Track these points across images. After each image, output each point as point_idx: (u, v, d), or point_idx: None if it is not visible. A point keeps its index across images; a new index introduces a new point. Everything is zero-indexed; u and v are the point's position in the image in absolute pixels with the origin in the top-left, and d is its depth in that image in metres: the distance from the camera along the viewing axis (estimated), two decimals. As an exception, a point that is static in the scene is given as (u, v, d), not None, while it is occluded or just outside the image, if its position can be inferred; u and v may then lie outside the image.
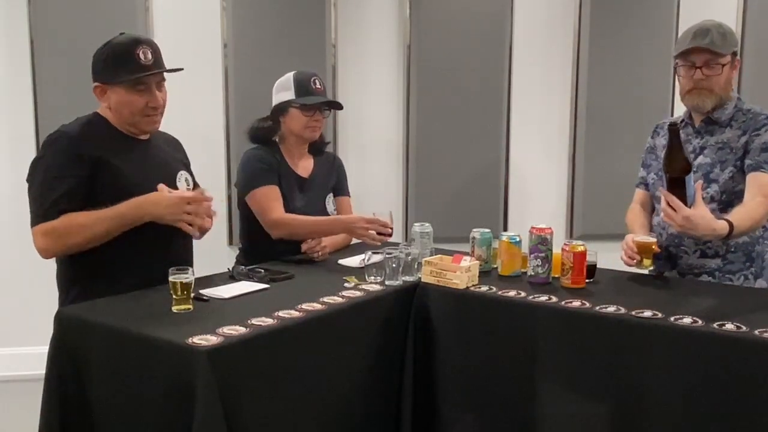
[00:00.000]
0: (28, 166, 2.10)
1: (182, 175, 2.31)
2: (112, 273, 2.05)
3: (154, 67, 2.14)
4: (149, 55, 2.13)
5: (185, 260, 2.19)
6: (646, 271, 2.38)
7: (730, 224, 2.05)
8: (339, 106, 2.84)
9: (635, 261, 2.25)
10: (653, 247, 2.26)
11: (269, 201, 2.57)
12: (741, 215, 2.12)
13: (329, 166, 2.83)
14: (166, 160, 2.29)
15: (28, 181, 2.09)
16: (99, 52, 2.15)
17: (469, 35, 3.66)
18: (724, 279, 2.32)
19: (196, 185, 2.38)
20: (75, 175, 2.03)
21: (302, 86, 2.64)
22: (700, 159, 2.34)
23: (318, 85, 2.67)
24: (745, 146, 2.28)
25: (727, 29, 2.30)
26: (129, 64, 2.10)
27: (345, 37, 3.63)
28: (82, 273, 2.09)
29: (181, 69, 2.18)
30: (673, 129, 2.10)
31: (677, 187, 2.05)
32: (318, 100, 2.64)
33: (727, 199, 2.28)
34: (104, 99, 2.15)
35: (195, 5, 3.48)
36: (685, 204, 2.02)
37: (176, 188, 2.24)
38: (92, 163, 2.05)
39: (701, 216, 2.02)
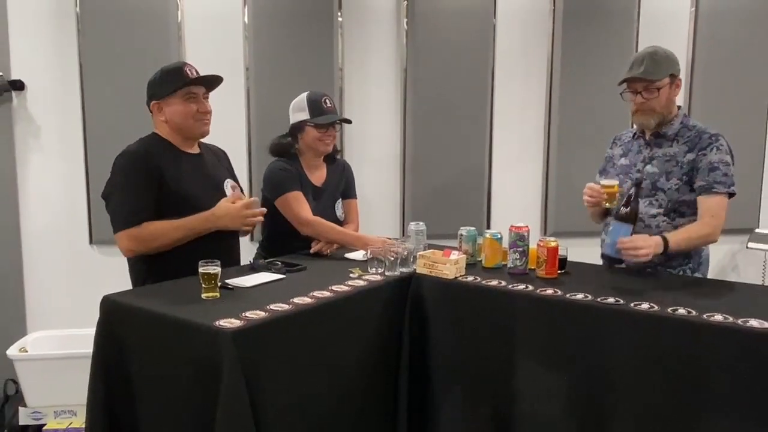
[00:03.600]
0: (105, 186, 2.17)
1: (228, 183, 2.38)
2: (177, 271, 2.06)
3: (199, 80, 2.24)
4: (194, 72, 2.24)
5: (236, 260, 2.34)
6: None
7: (665, 239, 2.14)
8: (348, 122, 2.83)
9: (603, 201, 2.25)
10: (616, 188, 2.26)
11: (299, 203, 2.57)
12: (677, 232, 2.21)
13: (339, 173, 2.82)
14: (214, 170, 2.36)
15: (104, 197, 2.17)
16: (152, 80, 2.24)
17: (457, 60, 3.66)
18: (665, 272, 2.32)
19: (241, 189, 2.47)
20: (146, 188, 2.11)
21: (315, 106, 2.63)
22: (649, 168, 2.35)
23: (329, 104, 2.66)
24: (692, 163, 2.27)
25: (662, 56, 2.28)
26: (179, 79, 2.20)
27: (350, 62, 3.63)
28: (151, 271, 2.15)
29: (221, 78, 2.27)
30: (638, 182, 2.17)
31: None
32: (330, 120, 2.63)
33: (672, 207, 2.29)
34: (161, 115, 2.22)
35: (221, 35, 3.48)
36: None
37: (224, 194, 2.32)
38: (157, 176, 2.13)
39: (644, 237, 2.13)
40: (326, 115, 2.63)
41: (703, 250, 2.39)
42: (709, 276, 2.46)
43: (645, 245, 2.08)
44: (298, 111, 2.66)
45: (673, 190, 2.28)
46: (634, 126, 2.47)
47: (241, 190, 2.47)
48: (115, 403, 1.84)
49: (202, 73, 2.25)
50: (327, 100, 2.66)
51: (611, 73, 2.47)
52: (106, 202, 2.17)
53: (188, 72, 2.22)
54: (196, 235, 2.14)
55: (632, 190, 2.18)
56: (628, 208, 2.14)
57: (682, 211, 2.29)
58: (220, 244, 2.19)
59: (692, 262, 2.35)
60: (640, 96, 2.29)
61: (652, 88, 2.27)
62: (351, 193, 2.86)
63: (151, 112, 2.27)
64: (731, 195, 2.27)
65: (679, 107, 2.38)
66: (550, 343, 1.94)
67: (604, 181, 2.29)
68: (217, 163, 2.41)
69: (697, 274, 2.37)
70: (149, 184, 2.12)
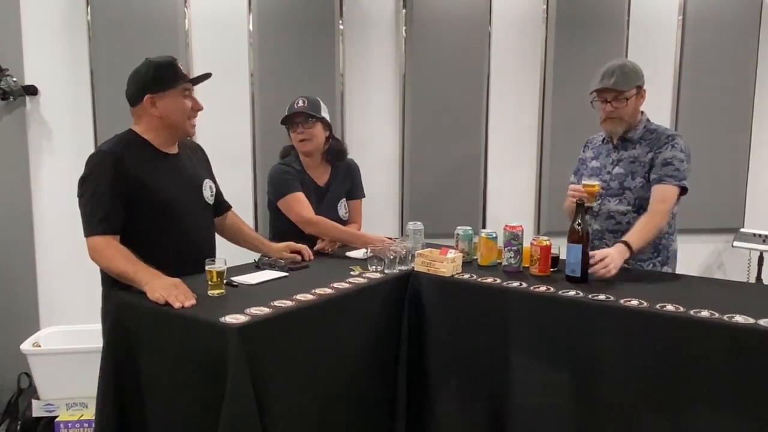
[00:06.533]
0: (77, 183, 2.01)
1: (207, 183, 2.25)
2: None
3: (191, 77, 2.13)
4: (184, 68, 2.15)
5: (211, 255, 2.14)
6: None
7: (627, 244, 2.13)
8: (312, 115, 2.65)
9: (585, 200, 2.20)
10: (597, 188, 2.32)
11: (300, 204, 2.58)
12: (634, 233, 2.19)
13: (345, 172, 2.81)
14: (194, 172, 2.22)
15: (78, 196, 2.00)
16: (141, 72, 2.09)
17: (454, 65, 3.65)
18: (636, 266, 2.36)
19: (219, 190, 2.34)
20: (117, 194, 1.95)
21: (288, 109, 2.66)
22: (617, 170, 2.43)
23: (300, 104, 2.64)
24: (650, 161, 2.35)
25: (630, 68, 2.36)
26: (175, 74, 2.10)
27: (351, 67, 3.62)
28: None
29: (210, 75, 2.18)
30: (579, 204, 2.13)
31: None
32: (288, 113, 2.63)
33: (639, 204, 2.36)
34: (154, 110, 2.06)
35: (227, 42, 3.47)
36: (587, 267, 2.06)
37: (202, 197, 2.21)
38: (131, 181, 1.98)
39: (607, 252, 2.08)
40: (291, 109, 2.64)
41: (671, 245, 2.45)
42: (696, 274, 2.48)
43: (610, 260, 2.05)
44: None
45: (638, 188, 2.37)
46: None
47: (217, 187, 2.32)
48: (124, 396, 1.84)
49: (200, 74, 2.18)
50: (300, 101, 2.65)
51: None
52: (78, 200, 2.00)
53: (181, 68, 2.12)
54: (130, 282, 1.88)
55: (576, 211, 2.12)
56: (578, 229, 2.08)
57: (647, 205, 2.34)
58: (197, 249, 2.10)
59: (660, 256, 2.41)
60: (609, 105, 2.37)
61: (621, 98, 2.35)
62: (357, 193, 2.85)
63: (133, 105, 2.10)
64: (683, 190, 2.32)
65: (642, 112, 2.45)
66: (542, 338, 1.94)
67: (586, 181, 2.36)
68: (195, 161, 2.27)
69: (666, 268, 2.43)
70: (118, 189, 1.95)
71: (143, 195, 2.00)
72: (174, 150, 2.17)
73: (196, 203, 2.19)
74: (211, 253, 2.18)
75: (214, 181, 2.32)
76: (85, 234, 1.97)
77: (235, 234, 2.42)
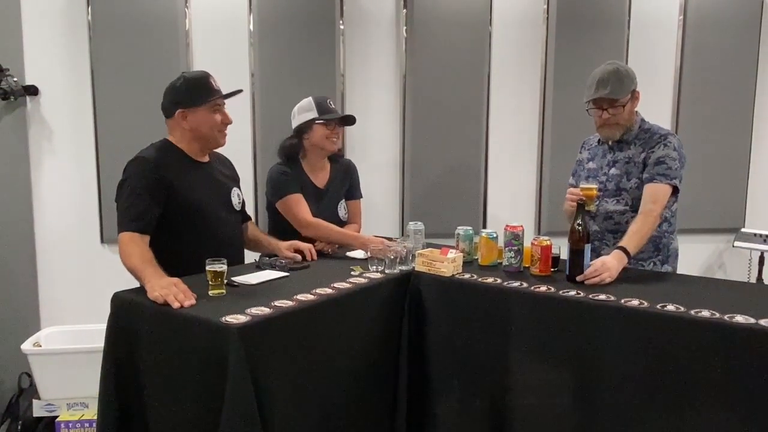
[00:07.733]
0: (116, 188, 2.11)
1: (234, 192, 2.37)
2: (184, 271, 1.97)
3: (222, 92, 2.23)
4: (217, 83, 2.23)
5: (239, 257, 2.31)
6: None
7: (624, 249, 2.13)
8: (353, 120, 2.78)
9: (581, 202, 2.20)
10: (594, 191, 2.30)
11: (298, 206, 2.58)
12: (630, 237, 2.19)
13: (343, 173, 2.82)
14: (222, 180, 2.34)
15: (115, 200, 2.11)
16: (176, 87, 2.19)
17: (454, 66, 3.66)
18: (637, 265, 2.37)
19: (243, 200, 2.46)
20: (153, 196, 2.05)
21: (322, 106, 2.66)
22: (612, 171, 2.44)
23: (333, 105, 2.71)
24: (644, 161, 2.36)
25: (623, 74, 2.34)
26: (207, 90, 2.19)
27: (352, 67, 3.62)
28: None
29: (242, 91, 2.30)
30: (580, 204, 2.13)
31: (579, 256, 2.07)
32: (337, 115, 2.68)
33: (636, 204, 2.35)
34: (185, 123, 2.18)
35: (227, 41, 3.47)
36: (578, 268, 2.06)
37: (231, 203, 2.32)
38: (166, 186, 2.09)
39: (605, 261, 2.07)
40: (333, 113, 2.66)
41: (671, 244, 2.45)
42: (697, 274, 2.48)
43: (606, 270, 2.04)
44: (304, 112, 2.67)
45: (634, 189, 2.38)
46: None
47: (242, 197, 2.44)
48: (125, 396, 1.84)
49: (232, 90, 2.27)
50: (331, 102, 2.71)
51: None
52: (116, 204, 2.12)
53: (213, 83, 2.22)
54: (138, 280, 1.92)
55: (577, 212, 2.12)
56: (578, 229, 2.08)
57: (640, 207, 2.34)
58: (227, 252, 2.11)
59: (661, 255, 2.42)
60: (606, 112, 2.37)
61: (617, 105, 2.35)
62: (356, 193, 2.86)
63: (167, 117, 2.23)
64: (675, 189, 2.32)
65: (636, 113, 2.45)
66: (543, 338, 1.93)
67: (584, 184, 2.35)
68: (224, 171, 2.39)
69: (666, 267, 2.43)
70: (157, 192, 2.07)
71: (177, 199, 2.10)
72: (205, 159, 2.29)
73: (225, 209, 2.29)
74: (239, 256, 2.30)
75: (241, 191, 2.44)
76: (118, 231, 2.05)
77: (253, 243, 2.49)
